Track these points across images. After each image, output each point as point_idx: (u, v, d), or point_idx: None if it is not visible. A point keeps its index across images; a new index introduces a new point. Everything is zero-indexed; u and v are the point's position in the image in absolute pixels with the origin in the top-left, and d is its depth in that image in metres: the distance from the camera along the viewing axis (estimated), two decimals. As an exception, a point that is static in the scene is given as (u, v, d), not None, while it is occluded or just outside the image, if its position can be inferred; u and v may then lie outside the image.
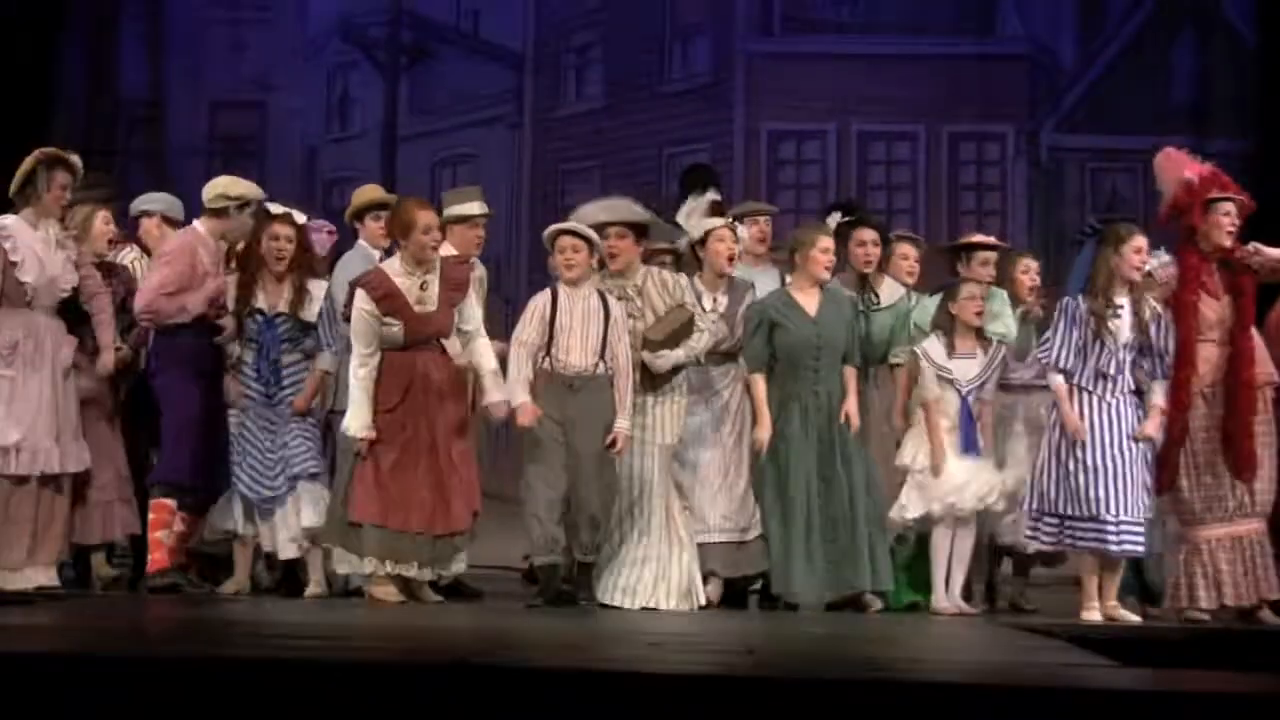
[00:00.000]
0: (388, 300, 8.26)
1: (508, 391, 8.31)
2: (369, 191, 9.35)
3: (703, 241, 8.83)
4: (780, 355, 8.73)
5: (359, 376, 8.27)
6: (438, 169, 14.45)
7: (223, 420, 8.75)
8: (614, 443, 8.35)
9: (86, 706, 4.59)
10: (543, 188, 14.34)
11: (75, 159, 8.68)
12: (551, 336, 8.33)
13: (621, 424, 8.35)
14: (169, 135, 14.07)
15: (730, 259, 8.84)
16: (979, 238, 9.49)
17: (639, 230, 8.51)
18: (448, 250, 8.63)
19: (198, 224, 8.94)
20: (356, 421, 8.25)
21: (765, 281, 9.17)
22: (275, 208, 8.84)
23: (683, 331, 8.40)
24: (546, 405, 8.31)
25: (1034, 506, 8.29)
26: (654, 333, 8.40)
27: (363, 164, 13.65)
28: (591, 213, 8.57)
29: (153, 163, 13.81)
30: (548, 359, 8.35)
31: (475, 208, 8.96)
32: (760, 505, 8.71)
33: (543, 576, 8.41)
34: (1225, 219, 8.32)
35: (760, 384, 8.69)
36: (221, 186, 8.91)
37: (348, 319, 8.33)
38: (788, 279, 9.07)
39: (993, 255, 9.22)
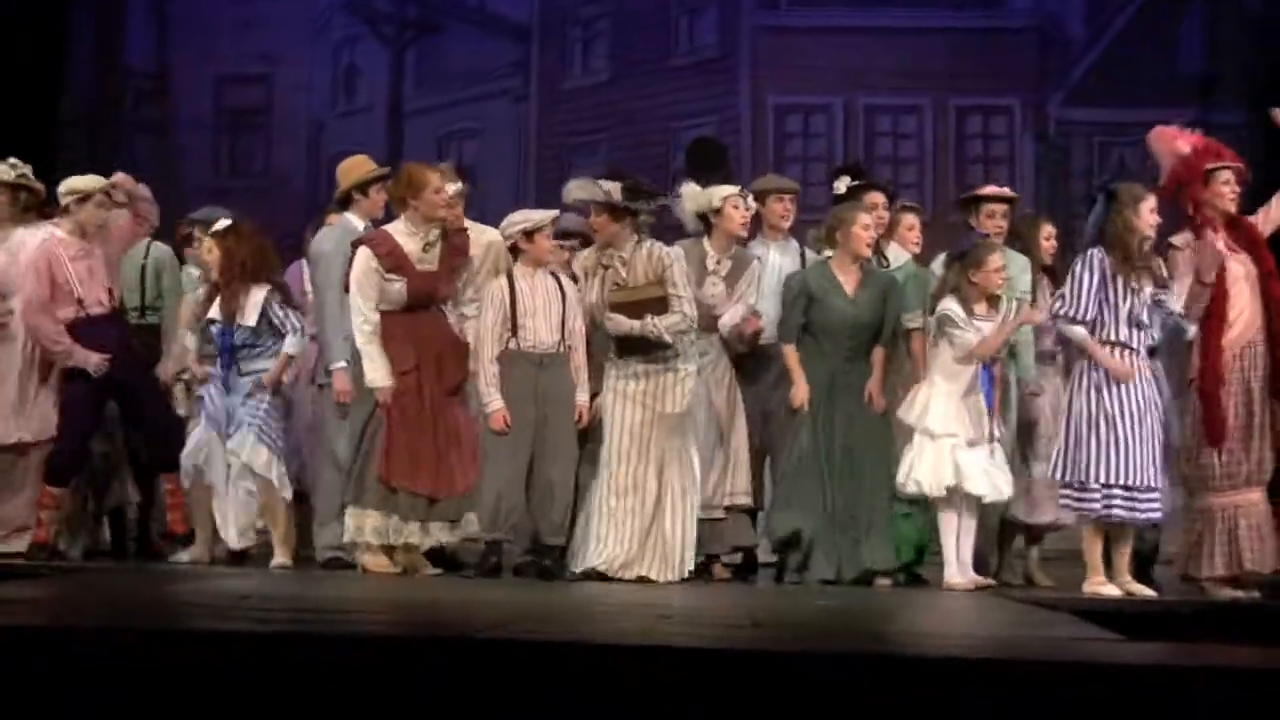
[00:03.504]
0: (391, 257, 8.35)
1: (484, 394, 8.44)
2: (364, 164, 9.23)
3: (718, 209, 8.87)
4: (815, 330, 8.70)
5: (365, 332, 8.35)
6: (443, 143, 14.42)
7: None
8: (580, 417, 8.50)
9: (91, 681, 4.58)
10: (549, 161, 14.32)
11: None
12: (515, 320, 8.42)
13: (581, 397, 8.53)
14: (175, 109, 14.06)
15: (743, 224, 8.91)
16: (990, 189, 9.40)
17: (610, 207, 8.55)
18: None
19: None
20: (378, 374, 8.32)
21: (786, 259, 9.16)
22: (220, 222, 8.96)
23: (646, 305, 8.44)
24: (516, 384, 8.44)
25: (1071, 476, 8.13)
26: (616, 297, 8.46)
27: (368, 139, 13.60)
28: (572, 189, 8.71)
29: (159, 136, 13.81)
30: (514, 340, 8.44)
31: (449, 188, 8.95)
32: (780, 478, 8.71)
33: (487, 550, 8.52)
34: (1226, 188, 8.32)
35: (792, 351, 8.70)
36: (65, 185, 9.07)
37: (347, 288, 8.39)
38: (808, 254, 9.09)
39: (1000, 208, 9.13)
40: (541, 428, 8.44)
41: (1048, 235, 9.12)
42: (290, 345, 8.78)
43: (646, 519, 8.39)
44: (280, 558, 8.75)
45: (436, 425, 8.38)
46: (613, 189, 8.52)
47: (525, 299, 8.48)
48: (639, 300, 8.45)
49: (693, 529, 8.46)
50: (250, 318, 8.76)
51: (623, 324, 8.44)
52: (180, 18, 14.16)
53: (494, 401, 8.44)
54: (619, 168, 9.44)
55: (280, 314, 8.77)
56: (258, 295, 8.79)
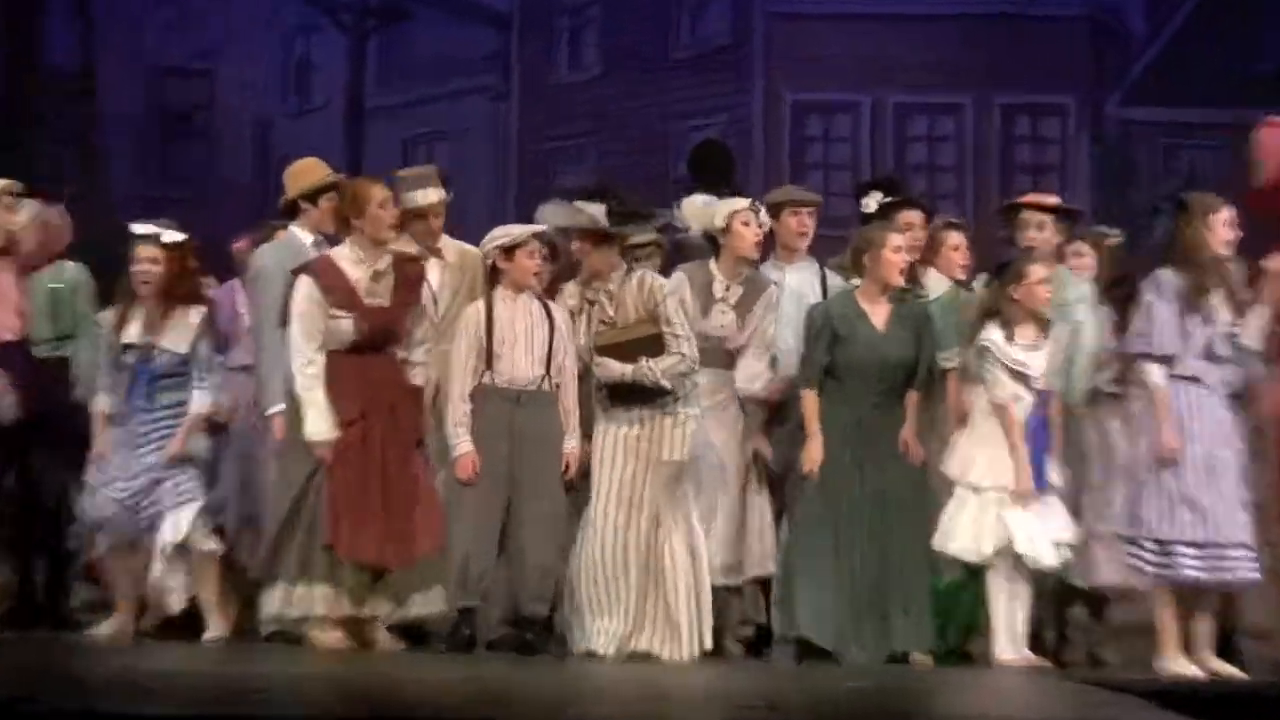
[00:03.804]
0: (336, 291, 8.20)
1: (451, 436, 8.33)
2: (317, 169, 9.11)
3: (725, 226, 8.75)
4: (839, 372, 8.55)
5: (307, 376, 8.19)
6: (410, 146, 14.49)
7: None
8: (567, 466, 8.38)
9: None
10: (531, 168, 14.37)
11: None
12: (490, 349, 8.34)
13: (571, 444, 8.41)
14: (102, 109, 14.07)
15: (756, 244, 8.78)
16: (1032, 197, 9.23)
17: (593, 234, 8.44)
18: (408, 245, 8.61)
19: None
20: (320, 425, 8.15)
21: (805, 283, 9.02)
22: (140, 229, 8.83)
23: (638, 346, 8.33)
24: (488, 423, 8.32)
25: (1131, 531, 7.97)
26: (604, 338, 8.35)
27: (323, 140, 13.71)
28: (547, 215, 8.62)
29: (83, 139, 13.80)
30: (489, 373, 8.34)
31: (432, 194, 8.84)
32: (798, 540, 8.56)
33: (458, 620, 8.32)
34: None
35: (812, 399, 8.54)
36: None
37: (284, 321, 8.25)
38: (828, 275, 8.94)
39: (1042, 217, 8.95)
40: (517, 475, 8.29)
41: (1077, 253, 8.94)
42: (199, 402, 8.64)
43: (643, 583, 8.24)
44: (214, 629, 8.58)
45: (387, 484, 8.22)
46: (597, 212, 8.42)
47: (503, 326, 8.36)
48: (630, 340, 8.35)
49: (706, 597, 8.31)
50: (180, 343, 8.64)
51: (613, 369, 8.31)
52: (106, 7, 14.22)
53: (462, 444, 8.29)
54: (606, 182, 9.37)
55: (206, 355, 8.65)
56: (194, 318, 8.69)
